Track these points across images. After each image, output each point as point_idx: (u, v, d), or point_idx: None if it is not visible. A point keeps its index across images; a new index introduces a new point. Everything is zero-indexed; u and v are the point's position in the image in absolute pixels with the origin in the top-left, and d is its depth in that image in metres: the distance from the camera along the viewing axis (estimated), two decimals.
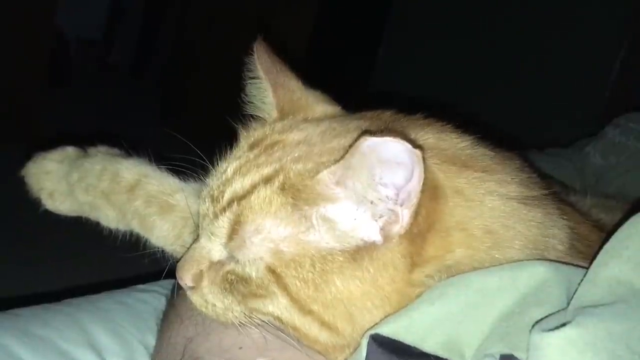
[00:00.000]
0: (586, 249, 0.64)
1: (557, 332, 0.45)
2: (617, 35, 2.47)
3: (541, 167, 1.23)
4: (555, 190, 0.70)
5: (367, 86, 3.27)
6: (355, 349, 0.58)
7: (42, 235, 1.88)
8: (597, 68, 2.53)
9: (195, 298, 0.63)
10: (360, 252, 0.55)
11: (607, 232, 0.62)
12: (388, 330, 0.54)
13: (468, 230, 0.57)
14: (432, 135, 0.62)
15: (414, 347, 0.53)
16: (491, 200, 0.58)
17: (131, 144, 0.88)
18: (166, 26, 4.08)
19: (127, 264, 0.96)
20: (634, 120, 1.46)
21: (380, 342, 0.54)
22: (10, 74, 2.83)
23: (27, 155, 0.86)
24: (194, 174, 0.77)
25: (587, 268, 0.53)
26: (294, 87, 0.73)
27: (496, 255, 0.57)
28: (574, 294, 0.51)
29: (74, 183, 0.82)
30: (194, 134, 0.82)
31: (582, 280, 0.52)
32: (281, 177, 0.57)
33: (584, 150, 1.48)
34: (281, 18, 3.04)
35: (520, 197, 0.60)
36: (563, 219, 0.64)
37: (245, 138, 0.68)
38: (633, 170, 1.30)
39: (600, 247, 0.54)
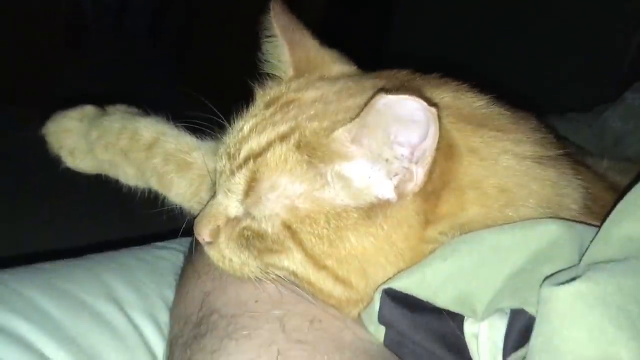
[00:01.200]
0: (600, 209, 0.64)
1: (566, 286, 0.46)
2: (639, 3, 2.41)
3: (559, 130, 1.22)
4: (570, 151, 0.69)
5: (383, 47, 3.23)
6: (368, 303, 0.59)
7: (63, 194, 1.92)
8: (618, 33, 2.48)
9: (212, 253, 0.65)
10: (374, 210, 0.56)
11: (620, 193, 0.62)
12: (401, 284, 0.55)
13: (482, 188, 0.57)
14: (448, 94, 0.62)
15: (427, 302, 0.54)
16: (506, 159, 0.58)
17: (148, 103, 0.89)
18: None
19: (146, 222, 0.98)
20: None
21: (393, 297, 0.55)
22: (27, 37, 2.84)
23: (46, 115, 0.88)
24: (211, 133, 0.77)
25: (599, 227, 0.54)
26: (310, 45, 0.73)
27: (509, 214, 0.57)
28: (586, 251, 0.52)
29: (94, 141, 0.83)
30: (211, 94, 0.83)
31: (594, 238, 0.53)
32: (297, 135, 0.58)
33: (602, 115, 1.47)
34: None
35: (535, 157, 0.60)
36: (577, 179, 0.63)
37: (261, 96, 0.68)
38: None
39: (613, 207, 0.54)
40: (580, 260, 0.52)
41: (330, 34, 0.78)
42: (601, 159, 0.96)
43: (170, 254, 0.97)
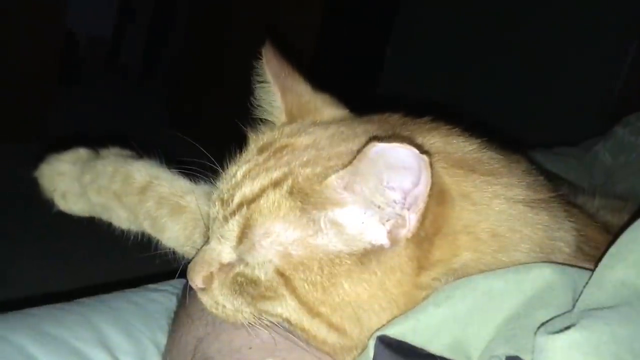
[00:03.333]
0: (593, 251, 0.65)
1: (562, 335, 0.46)
2: (627, 33, 2.46)
3: (549, 166, 1.23)
4: (562, 193, 0.70)
5: (375, 89, 3.27)
6: (362, 350, 0.58)
7: (55, 236, 1.90)
8: (607, 67, 2.52)
9: (205, 299, 0.64)
10: (367, 256, 0.56)
11: (614, 234, 0.62)
12: (395, 331, 0.55)
13: (475, 233, 0.57)
14: (439, 139, 0.63)
15: (421, 349, 0.54)
16: (498, 203, 0.59)
17: (141, 145, 0.89)
18: (175, 26, 4.09)
19: (139, 264, 0.98)
20: None
21: (387, 344, 0.55)
22: (21, 72, 2.86)
23: (39, 156, 0.88)
24: (204, 175, 0.78)
25: (593, 270, 0.54)
26: (302, 90, 0.74)
27: (502, 259, 0.57)
28: (580, 296, 0.52)
29: (87, 184, 0.83)
30: (203, 135, 0.83)
31: (587, 282, 0.53)
32: (290, 181, 0.58)
33: (592, 149, 1.48)
34: (289, 20, 3.04)
35: (527, 200, 0.61)
36: (569, 221, 0.64)
37: (255, 142, 0.69)
38: None
39: (607, 250, 0.55)
40: (574, 304, 0.52)
41: (322, 76, 0.79)
42: (592, 196, 0.97)
43: (163, 297, 0.96)
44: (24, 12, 2.83)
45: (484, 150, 0.64)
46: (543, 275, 0.54)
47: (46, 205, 0.87)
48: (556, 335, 0.46)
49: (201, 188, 0.80)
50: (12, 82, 2.83)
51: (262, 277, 0.58)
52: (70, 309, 0.88)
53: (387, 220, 0.55)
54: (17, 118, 2.86)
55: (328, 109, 0.73)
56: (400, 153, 0.49)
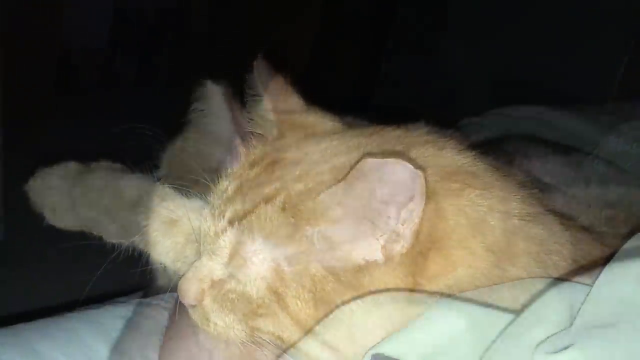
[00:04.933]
0: (589, 264, 0.64)
1: (559, 356, 0.45)
2: (625, 34, 2.47)
3: (548, 167, 1.23)
4: (558, 205, 0.69)
5: (370, 100, 3.27)
6: None
7: (44, 249, 1.87)
8: (604, 67, 2.53)
9: (196, 316, 0.63)
10: (361, 272, 0.55)
11: (612, 248, 0.61)
12: (390, 349, 0.53)
13: (469, 248, 0.57)
14: (434, 152, 0.62)
15: None
16: (492, 217, 0.58)
17: (134, 156, 0.88)
18: (173, 35, 4.09)
19: (130, 278, 0.96)
20: (635, 128, 1.46)
21: None
22: (15, 83, 2.84)
23: (30, 171, 0.87)
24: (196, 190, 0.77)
25: (591, 285, 0.53)
26: (295, 104, 0.73)
27: (498, 274, 0.57)
28: (577, 313, 0.51)
29: (77, 198, 0.82)
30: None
31: (584, 298, 0.52)
32: (282, 197, 0.57)
33: (587, 157, 1.48)
34: (283, 30, 3.04)
35: (522, 214, 0.60)
36: (565, 234, 0.63)
37: (246, 156, 0.68)
38: (636, 179, 1.29)
39: (604, 264, 0.54)
40: (571, 322, 0.51)
41: (316, 87, 0.78)
42: (587, 206, 0.96)
43: (154, 312, 0.94)
44: (18, 22, 2.82)
45: (479, 163, 0.63)
46: (539, 291, 0.53)
47: (38, 217, 0.86)
48: (554, 356, 0.45)
49: (194, 202, 0.79)
50: (7, 93, 2.81)
51: (254, 294, 0.58)
52: (60, 324, 0.86)
53: (381, 236, 0.54)
54: (12, 128, 2.85)
55: (320, 122, 0.72)
56: (394, 168, 0.49)
